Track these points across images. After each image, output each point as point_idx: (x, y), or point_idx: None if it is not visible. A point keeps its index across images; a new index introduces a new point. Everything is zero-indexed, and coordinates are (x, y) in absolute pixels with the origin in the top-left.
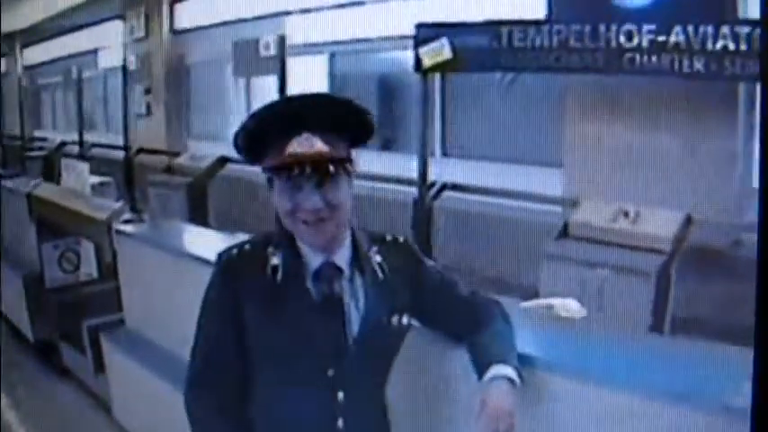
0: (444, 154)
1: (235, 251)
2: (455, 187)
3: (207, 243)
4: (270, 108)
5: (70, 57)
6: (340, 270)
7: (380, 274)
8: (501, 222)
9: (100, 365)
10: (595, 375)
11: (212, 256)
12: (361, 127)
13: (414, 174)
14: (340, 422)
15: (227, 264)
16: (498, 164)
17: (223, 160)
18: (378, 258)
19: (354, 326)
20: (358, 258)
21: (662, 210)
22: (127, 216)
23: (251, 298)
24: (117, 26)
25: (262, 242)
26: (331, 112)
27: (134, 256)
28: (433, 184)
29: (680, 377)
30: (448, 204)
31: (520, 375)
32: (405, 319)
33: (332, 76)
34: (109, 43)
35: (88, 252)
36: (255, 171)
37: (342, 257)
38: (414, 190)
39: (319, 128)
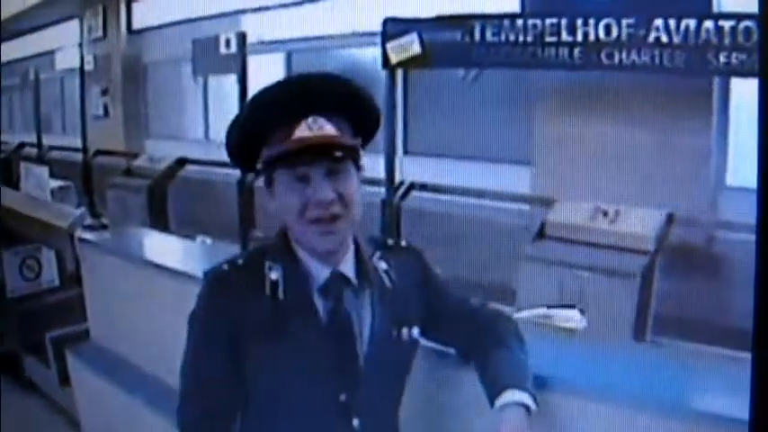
0: (406, 152)
1: (225, 267)
2: (424, 187)
3: (173, 251)
4: (269, 91)
5: (28, 59)
6: (348, 281)
7: (387, 283)
8: (471, 222)
9: (65, 378)
10: (608, 393)
11: (179, 266)
12: (369, 113)
13: (379, 174)
14: None
15: (216, 282)
16: (463, 162)
17: (182, 161)
18: (383, 265)
19: (365, 342)
20: (363, 267)
21: (642, 208)
22: (87, 222)
23: (248, 321)
24: (74, 26)
25: (256, 255)
26: (338, 93)
27: (98, 265)
28: (400, 184)
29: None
30: (416, 204)
31: (535, 401)
32: (414, 332)
33: (290, 74)
34: (66, 44)
35: (50, 260)
36: (215, 171)
37: (348, 266)
38: (381, 190)
39: (327, 110)
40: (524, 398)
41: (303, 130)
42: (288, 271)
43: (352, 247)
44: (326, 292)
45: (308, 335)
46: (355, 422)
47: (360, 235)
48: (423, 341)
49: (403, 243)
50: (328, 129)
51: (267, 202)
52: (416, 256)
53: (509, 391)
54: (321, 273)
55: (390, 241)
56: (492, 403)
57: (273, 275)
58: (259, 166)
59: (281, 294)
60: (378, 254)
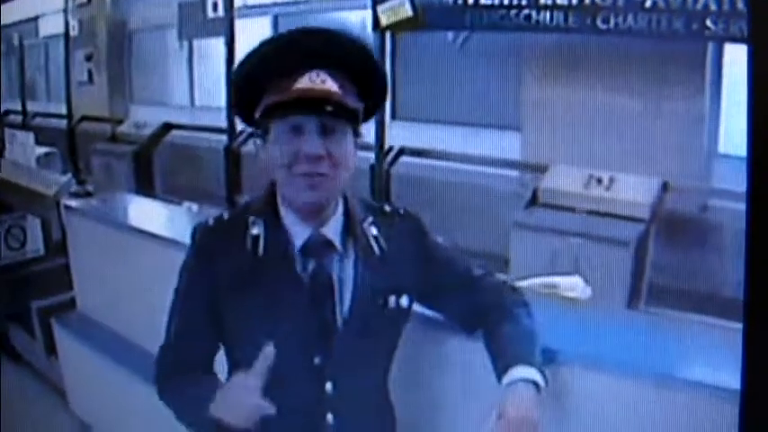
0: (394, 117)
1: (211, 221)
2: (414, 152)
3: (159, 218)
4: (277, 40)
5: (11, 25)
6: (331, 244)
7: (376, 249)
8: (461, 189)
9: (51, 348)
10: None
11: (165, 232)
12: (376, 79)
13: (368, 139)
14: (329, 417)
15: (201, 236)
16: (452, 127)
17: (167, 127)
18: (374, 231)
19: (345, 307)
20: (351, 230)
21: (636, 176)
22: (73, 189)
23: (228, 273)
24: None
25: (241, 211)
26: (348, 52)
27: (83, 233)
28: (390, 150)
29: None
30: (405, 170)
31: (545, 377)
32: (404, 301)
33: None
34: (50, 10)
35: (35, 228)
36: (201, 137)
37: (333, 230)
38: (370, 155)
39: (332, 67)
40: (532, 374)
41: (304, 82)
42: (269, 228)
43: (340, 211)
44: (306, 253)
45: (284, 293)
46: (328, 386)
47: (352, 199)
48: (424, 310)
49: (401, 210)
50: (330, 84)
51: (260, 152)
52: (414, 223)
53: (516, 368)
54: (302, 233)
55: (387, 207)
56: (500, 380)
57: (255, 231)
58: (257, 115)
59: (260, 250)
60: (369, 219)
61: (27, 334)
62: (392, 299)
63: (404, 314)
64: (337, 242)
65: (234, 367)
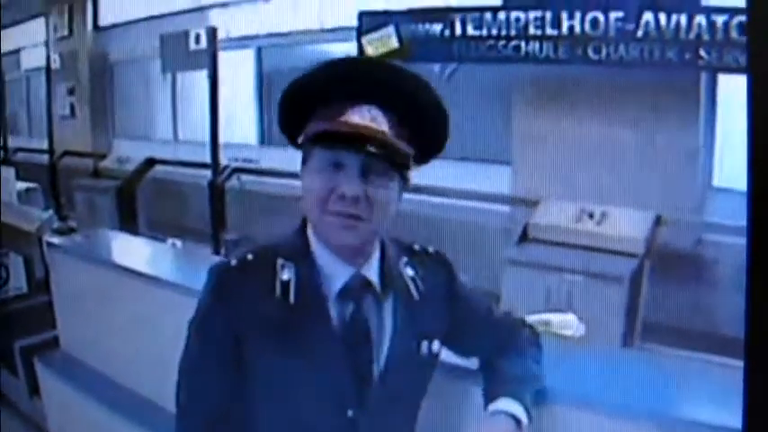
0: None
1: (234, 262)
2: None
3: (143, 255)
4: (336, 64)
5: None
6: (370, 285)
7: (414, 292)
8: (449, 224)
9: (35, 388)
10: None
11: (150, 270)
12: (435, 128)
13: None
14: None
15: (222, 279)
16: (439, 161)
17: (151, 162)
18: (410, 272)
19: (382, 355)
20: (387, 271)
21: (629, 210)
22: (55, 225)
23: (254, 321)
24: (40, 25)
25: (269, 251)
26: (408, 94)
27: (66, 270)
28: None
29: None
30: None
31: (529, 414)
32: (435, 346)
33: (260, 71)
34: (32, 43)
35: (17, 265)
36: (185, 172)
37: (372, 271)
38: None
39: (388, 105)
40: (515, 409)
41: (354, 115)
42: (302, 271)
43: (378, 251)
44: (346, 295)
45: (318, 343)
46: None
47: (386, 238)
48: (444, 353)
49: (430, 249)
50: (380, 122)
51: (301, 179)
52: (444, 264)
53: (502, 399)
54: (342, 274)
55: (417, 246)
56: (486, 408)
57: (285, 275)
58: (301, 139)
59: (292, 297)
60: (404, 259)
61: (10, 373)
62: (425, 344)
63: (434, 360)
64: (377, 284)
65: (257, 419)
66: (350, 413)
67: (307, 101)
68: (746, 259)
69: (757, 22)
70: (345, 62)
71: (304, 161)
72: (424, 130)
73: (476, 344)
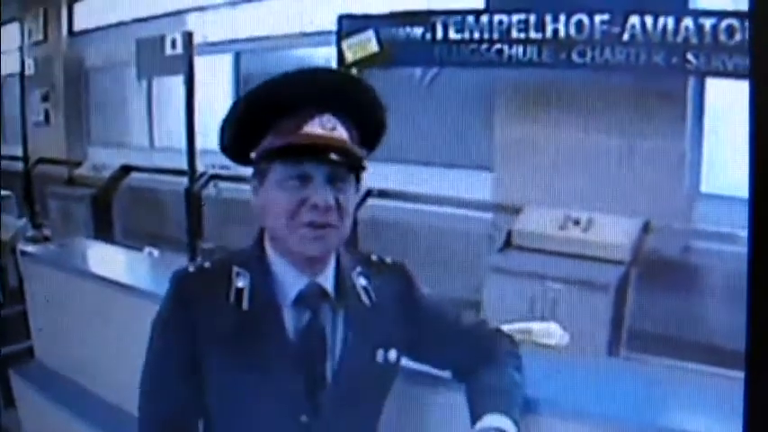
0: None
1: (191, 269)
2: (381, 194)
3: (119, 264)
4: (287, 77)
5: None
6: (326, 294)
7: (366, 300)
8: (430, 231)
9: (9, 400)
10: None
11: (125, 279)
12: (380, 127)
13: None
14: None
15: (181, 285)
16: (420, 167)
17: (126, 169)
18: (362, 282)
19: (335, 362)
20: (341, 280)
21: (615, 216)
22: (29, 234)
23: (209, 327)
24: (14, 30)
25: (226, 260)
26: (358, 98)
27: (41, 280)
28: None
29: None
30: (372, 213)
31: (517, 427)
32: (392, 355)
33: (238, 76)
34: (6, 49)
35: None
36: (161, 180)
37: (327, 279)
38: None
39: (343, 112)
40: (505, 423)
41: (314, 127)
42: (256, 279)
43: (333, 260)
44: (301, 303)
45: (271, 350)
46: None
47: (342, 248)
48: (411, 364)
49: (388, 260)
50: (339, 131)
51: (253, 197)
52: (401, 274)
53: (490, 416)
54: (297, 282)
55: (374, 257)
56: (473, 426)
57: (240, 283)
58: (255, 155)
59: (245, 304)
60: (358, 269)
61: None
62: (380, 353)
63: (392, 369)
64: (331, 292)
65: (214, 423)
66: (303, 418)
67: (261, 118)
68: (747, 266)
69: (760, 26)
70: (298, 75)
71: (261, 176)
72: (371, 130)
73: (447, 355)
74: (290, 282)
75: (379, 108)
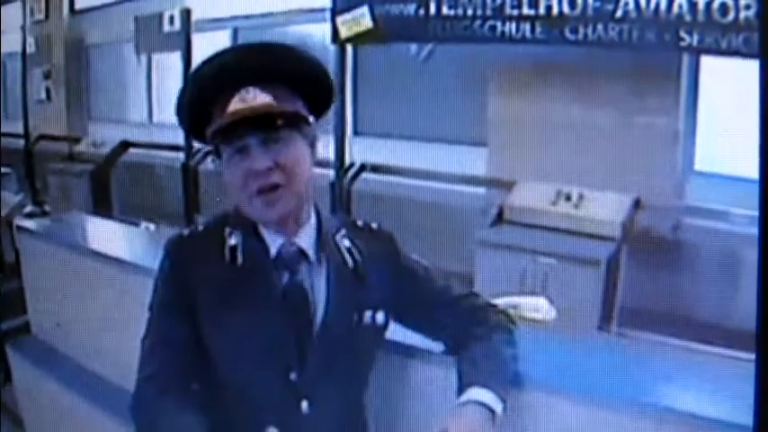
0: (356, 133)
1: (185, 232)
2: (375, 168)
3: (117, 239)
4: (205, 65)
5: None
6: (304, 254)
7: (349, 261)
8: (424, 206)
9: (6, 375)
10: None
11: (123, 254)
12: (314, 80)
13: (329, 155)
14: None
15: (175, 247)
16: (415, 143)
17: (125, 145)
18: (346, 243)
19: (318, 320)
20: (323, 241)
21: (607, 193)
22: (28, 209)
23: (205, 284)
24: (16, 10)
25: (217, 223)
26: (274, 61)
27: (38, 255)
28: (350, 166)
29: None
30: (367, 187)
31: (504, 403)
32: (380, 317)
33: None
34: (8, 28)
35: None
36: (159, 155)
37: (306, 240)
38: (330, 172)
39: (262, 80)
40: (488, 398)
41: (237, 103)
42: (247, 237)
43: (313, 221)
44: (279, 263)
45: (262, 305)
46: (304, 405)
47: (321, 209)
48: (403, 328)
49: (374, 225)
50: (262, 98)
51: (223, 175)
52: (387, 240)
53: (473, 389)
54: (275, 243)
55: (360, 222)
56: (458, 398)
57: (232, 241)
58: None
59: (239, 259)
60: (342, 231)
61: None
62: (368, 314)
63: (380, 332)
64: (311, 253)
65: (211, 377)
66: (292, 376)
67: (200, 106)
68: (758, 249)
69: None
70: (215, 60)
71: (218, 155)
72: (308, 87)
73: (437, 321)
74: (272, 242)
75: (304, 64)
